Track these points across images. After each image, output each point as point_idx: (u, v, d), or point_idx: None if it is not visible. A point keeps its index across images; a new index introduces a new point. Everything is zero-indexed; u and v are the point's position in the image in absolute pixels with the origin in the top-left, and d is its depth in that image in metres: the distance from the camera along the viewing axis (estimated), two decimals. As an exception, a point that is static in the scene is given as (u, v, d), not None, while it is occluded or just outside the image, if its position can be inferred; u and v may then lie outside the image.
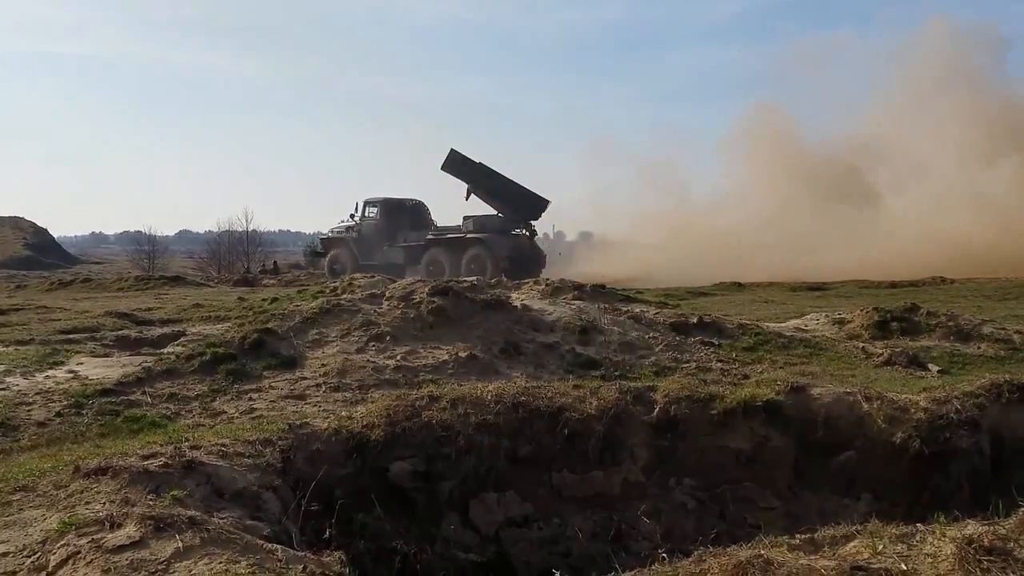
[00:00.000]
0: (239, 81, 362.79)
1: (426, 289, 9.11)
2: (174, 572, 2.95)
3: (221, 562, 3.01)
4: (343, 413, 5.64)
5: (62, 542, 3.20)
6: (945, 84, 33.86)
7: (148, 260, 38.81)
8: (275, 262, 37.37)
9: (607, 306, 9.92)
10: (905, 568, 2.70)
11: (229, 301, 14.91)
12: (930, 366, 8.22)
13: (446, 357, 7.70)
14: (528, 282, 11.93)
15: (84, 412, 6.09)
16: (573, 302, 9.97)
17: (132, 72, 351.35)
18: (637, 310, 9.90)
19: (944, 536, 2.95)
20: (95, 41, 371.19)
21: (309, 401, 6.57)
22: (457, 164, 31.26)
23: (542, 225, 33.55)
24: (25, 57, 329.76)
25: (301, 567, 3.08)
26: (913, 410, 5.68)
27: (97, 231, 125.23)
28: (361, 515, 4.87)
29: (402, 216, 31.82)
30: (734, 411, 5.68)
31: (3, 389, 6.61)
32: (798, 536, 3.24)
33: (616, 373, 7.63)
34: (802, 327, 10.39)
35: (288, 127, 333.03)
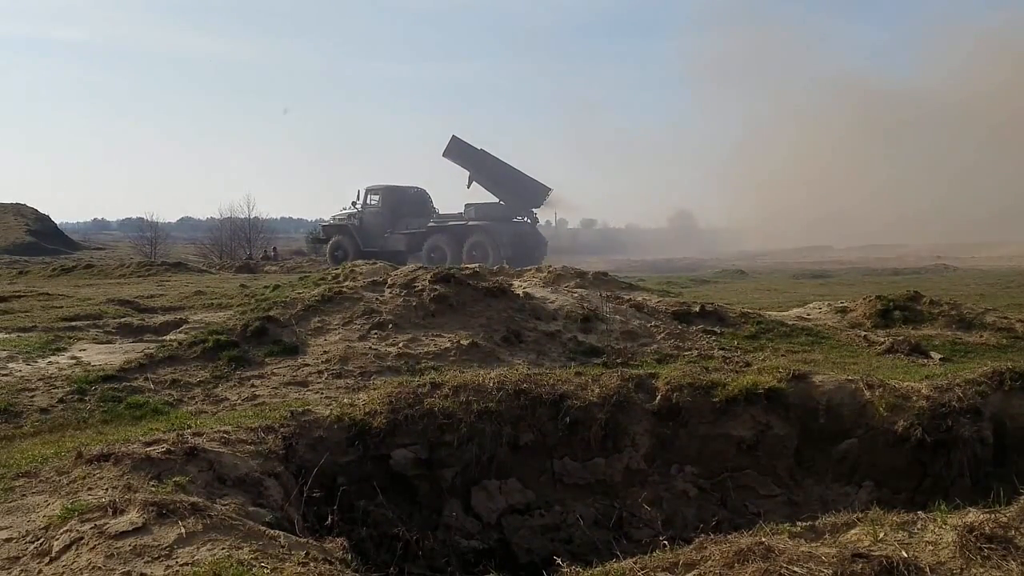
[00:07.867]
0: (241, 67, 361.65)
1: (428, 276, 9.06)
2: (177, 558, 2.96)
3: (224, 548, 3.02)
4: (345, 400, 5.64)
5: (65, 528, 3.22)
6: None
7: (150, 246, 38.86)
8: (275, 248, 37.38)
9: (609, 294, 9.91)
10: (906, 555, 2.70)
11: (231, 288, 14.90)
12: (932, 354, 8.21)
13: (448, 345, 7.70)
14: (530, 269, 11.92)
15: (86, 398, 6.10)
16: (575, 290, 9.96)
17: (133, 58, 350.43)
18: (639, 298, 9.88)
19: (945, 524, 2.96)
20: (96, 27, 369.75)
21: (311, 388, 6.58)
22: (459, 151, 31.23)
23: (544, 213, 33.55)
24: (25, 42, 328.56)
25: (303, 553, 3.09)
26: (915, 398, 5.67)
27: (99, 217, 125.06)
28: (363, 502, 4.88)
29: (404, 203, 31.79)
30: (736, 399, 5.67)
31: (5, 375, 6.60)
32: (799, 523, 3.24)
33: (618, 361, 7.62)
34: (804, 316, 10.38)
35: (290, 113, 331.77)
